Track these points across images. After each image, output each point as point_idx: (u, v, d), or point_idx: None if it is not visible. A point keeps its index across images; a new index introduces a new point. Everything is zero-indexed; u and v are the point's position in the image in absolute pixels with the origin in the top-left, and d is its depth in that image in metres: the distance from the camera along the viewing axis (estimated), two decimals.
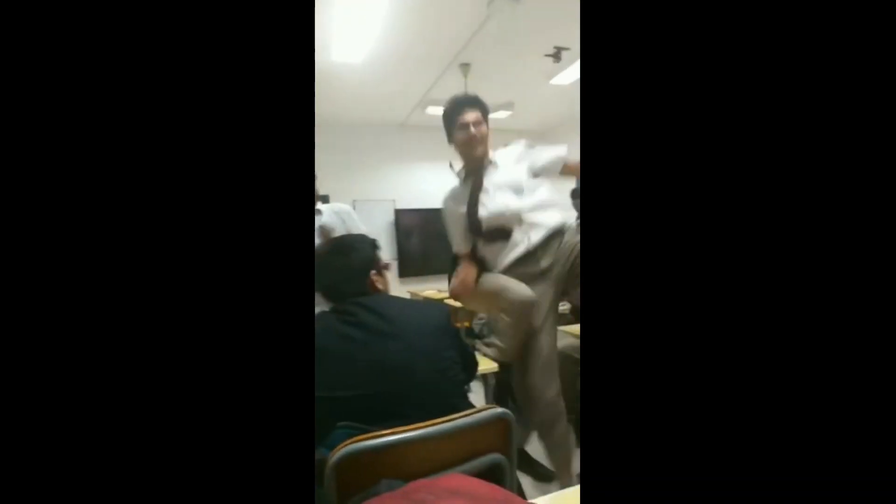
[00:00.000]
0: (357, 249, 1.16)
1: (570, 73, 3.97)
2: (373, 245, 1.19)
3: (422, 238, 5.46)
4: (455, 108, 1.76)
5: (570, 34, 3.34)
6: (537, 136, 5.81)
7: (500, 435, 0.96)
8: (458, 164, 1.92)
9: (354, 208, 5.01)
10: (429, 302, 1.14)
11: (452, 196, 1.87)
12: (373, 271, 1.14)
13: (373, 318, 1.00)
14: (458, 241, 1.82)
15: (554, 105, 4.85)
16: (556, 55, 3.72)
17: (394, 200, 5.40)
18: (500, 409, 0.96)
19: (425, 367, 0.98)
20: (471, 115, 1.73)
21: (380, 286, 1.15)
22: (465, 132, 1.72)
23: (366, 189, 5.32)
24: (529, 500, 0.62)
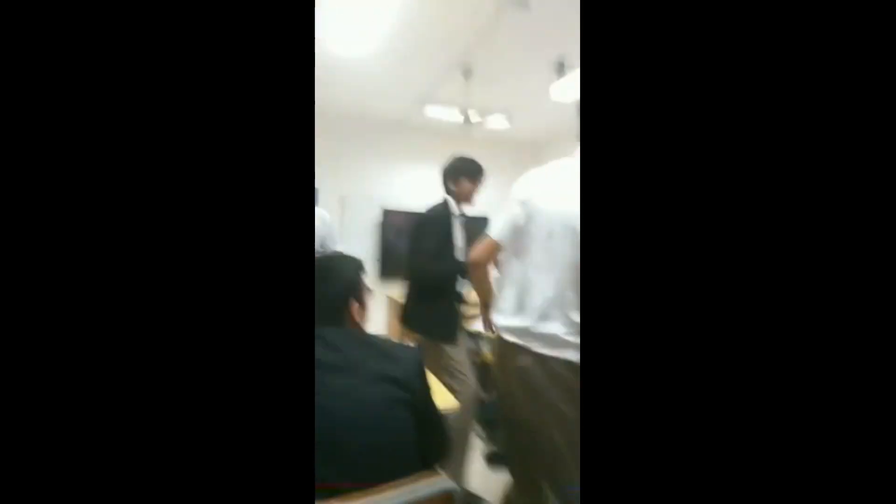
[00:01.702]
0: (337, 272, 0.99)
1: (572, 90, 3.93)
2: (357, 267, 1.02)
3: (408, 240, 5.34)
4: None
5: (576, 49, 3.29)
6: (536, 148, 5.76)
7: None
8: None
9: (343, 205, 4.92)
10: (403, 346, 0.99)
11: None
12: (353, 301, 0.98)
13: (328, 354, 0.87)
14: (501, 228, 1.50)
15: (554, 118, 4.81)
16: (560, 69, 3.68)
17: (382, 200, 5.31)
18: (446, 482, 0.81)
19: (368, 417, 0.83)
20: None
21: (358, 319, 1.00)
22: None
23: (356, 186, 5.22)
24: None
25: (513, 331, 1.34)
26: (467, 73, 3.82)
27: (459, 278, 2.06)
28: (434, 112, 4.42)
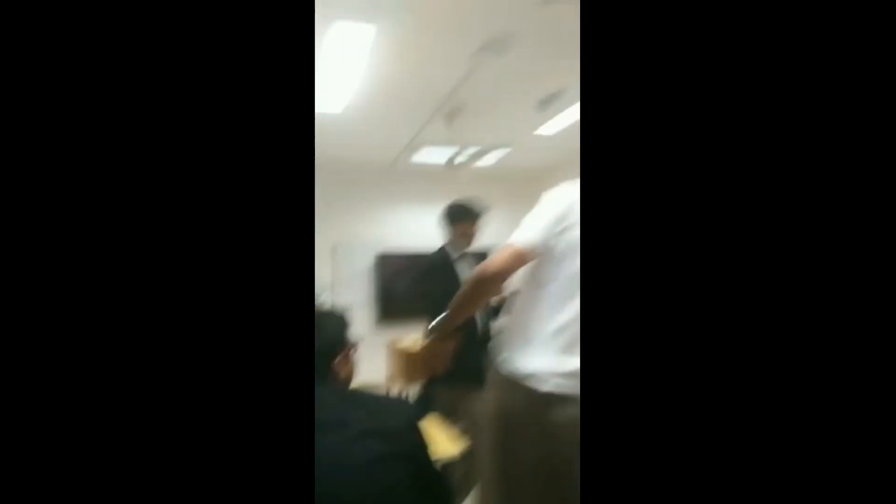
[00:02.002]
0: (321, 329, 0.93)
1: (557, 123, 4.00)
2: (341, 322, 0.97)
3: (405, 282, 5.32)
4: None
5: (560, 82, 3.37)
6: (520, 184, 5.83)
7: None
8: None
9: (335, 252, 4.90)
10: (393, 399, 0.97)
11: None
12: (338, 357, 0.94)
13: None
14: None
15: (540, 152, 4.88)
16: (544, 105, 3.75)
17: (375, 244, 5.29)
18: None
19: (355, 475, 0.76)
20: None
21: (343, 375, 0.95)
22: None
23: (347, 233, 5.21)
24: None
25: (562, 375, 1.07)
26: (451, 116, 3.89)
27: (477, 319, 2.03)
28: (422, 157, 4.48)
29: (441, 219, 2.21)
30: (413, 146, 4.36)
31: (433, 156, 4.35)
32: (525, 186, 5.83)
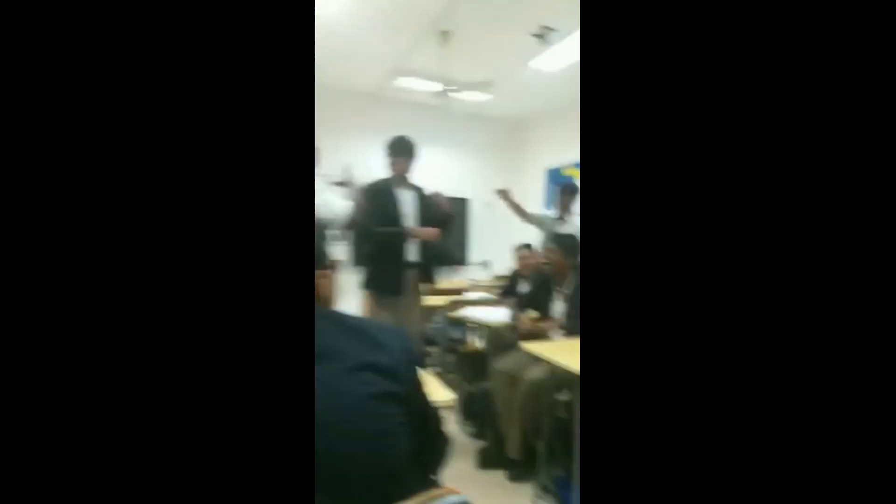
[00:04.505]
0: None
1: (555, 58, 3.65)
2: (319, 235, 0.87)
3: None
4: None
5: (560, 14, 3.02)
6: (514, 124, 5.48)
7: None
8: None
9: None
10: (388, 328, 0.81)
11: None
12: (319, 271, 0.83)
13: None
14: None
15: (535, 91, 4.52)
16: (542, 35, 3.40)
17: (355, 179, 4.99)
18: (457, 498, 0.68)
19: (350, 414, 0.67)
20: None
21: (326, 293, 0.85)
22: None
23: (324, 165, 4.88)
24: None
25: None
26: (443, 40, 3.50)
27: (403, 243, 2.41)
28: (407, 83, 4.10)
29: (386, 150, 2.49)
30: (400, 69, 3.97)
31: (420, 84, 3.99)
32: (516, 126, 5.50)
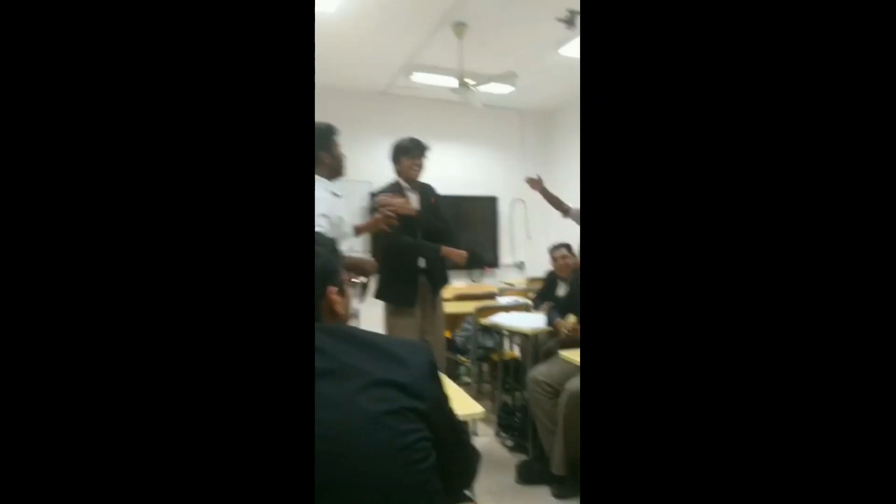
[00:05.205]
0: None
1: None
2: (330, 249, 0.83)
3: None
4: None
5: None
6: (541, 116, 5.20)
7: None
8: None
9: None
10: (407, 343, 0.78)
11: None
12: (331, 287, 0.80)
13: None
14: None
15: (563, 79, 4.23)
16: (570, 20, 3.13)
17: (370, 182, 4.75)
18: None
19: (367, 433, 0.66)
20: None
21: (339, 310, 0.81)
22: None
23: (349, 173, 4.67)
24: None
25: None
26: (458, 31, 3.26)
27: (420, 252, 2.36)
28: (423, 78, 3.88)
29: (390, 154, 2.46)
30: (414, 64, 3.75)
31: (437, 79, 3.76)
32: (546, 119, 5.21)
